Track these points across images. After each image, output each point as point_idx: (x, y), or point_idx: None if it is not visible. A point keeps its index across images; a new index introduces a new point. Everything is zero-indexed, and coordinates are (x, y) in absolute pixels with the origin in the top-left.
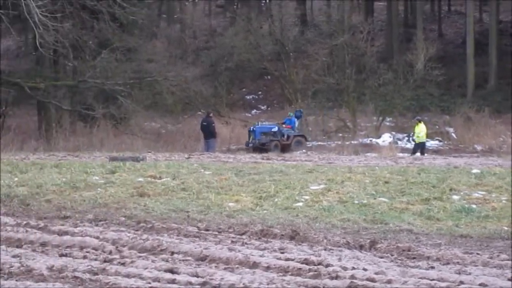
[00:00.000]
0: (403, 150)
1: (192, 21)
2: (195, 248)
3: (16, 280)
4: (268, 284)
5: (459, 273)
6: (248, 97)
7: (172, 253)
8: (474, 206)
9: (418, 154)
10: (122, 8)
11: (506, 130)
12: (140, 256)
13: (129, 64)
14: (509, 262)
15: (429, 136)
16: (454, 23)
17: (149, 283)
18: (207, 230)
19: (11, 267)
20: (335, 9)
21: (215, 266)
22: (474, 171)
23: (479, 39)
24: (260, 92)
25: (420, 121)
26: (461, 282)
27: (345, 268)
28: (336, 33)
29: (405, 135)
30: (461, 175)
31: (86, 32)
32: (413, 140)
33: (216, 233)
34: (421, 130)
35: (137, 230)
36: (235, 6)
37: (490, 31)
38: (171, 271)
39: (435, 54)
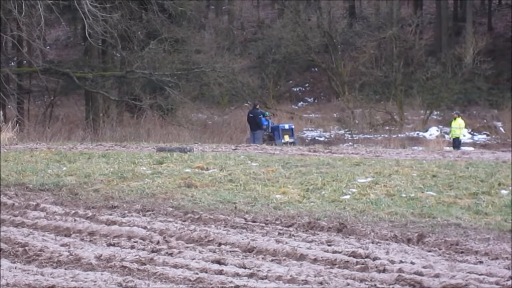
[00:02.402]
0: (450, 144)
1: (240, 12)
2: (242, 239)
3: (65, 269)
4: (315, 276)
5: (509, 269)
6: (295, 89)
7: (220, 244)
8: None
9: (463, 148)
10: None
11: None
12: (187, 247)
13: (177, 55)
14: None
15: (476, 130)
16: (504, 16)
17: (197, 273)
18: (254, 221)
19: (60, 255)
20: (383, 2)
21: (262, 258)
22: None
23: None
24: (307, 84)
25: (458, 116)
26: (510, 278)
27: (392, 262)
28: (385, 25)
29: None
30: (509, 169)
31: (134, 23)
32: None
33: (263, 224)
34: (458, 125)
35: (184, 221)
36: None
37: None
38: (218, 262)
39: (484, 48)
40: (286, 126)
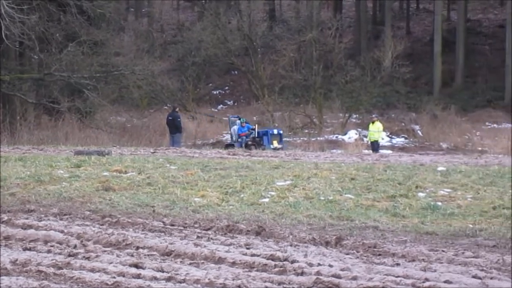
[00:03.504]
0: (369, 147)
1: (160, 15)
2: (161, 243)
3: None
4: (233, 279)
5: (425, 270)
6: (214, 92)
7: (137, 247)
8: (439, 203)
9: (381, 151)
10: (90, 1)
11: (472, 128)
12: (105, 251)
13: (96, 57)
14: (474, 259)
15: (395, 133)
16: (422, 21)
17: (114, 277)
18: (173, 225)
19: None
20: (303, 5)
21: (180, 261)
22: (440, 168)
23: (447, 37)
24: (227, 87)
25: (376, 119)
26: (426, 279)
27: (310, 264)
28: (305, 29)
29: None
30: (427, 172)
31: (53, 25)
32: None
33: (182, 228)
34: (376, 128)
35: (102, 225)
36: (203, 1)
37: (458, 30)
38: (136, 265)
39: (403, 52)
40: (275, 131)
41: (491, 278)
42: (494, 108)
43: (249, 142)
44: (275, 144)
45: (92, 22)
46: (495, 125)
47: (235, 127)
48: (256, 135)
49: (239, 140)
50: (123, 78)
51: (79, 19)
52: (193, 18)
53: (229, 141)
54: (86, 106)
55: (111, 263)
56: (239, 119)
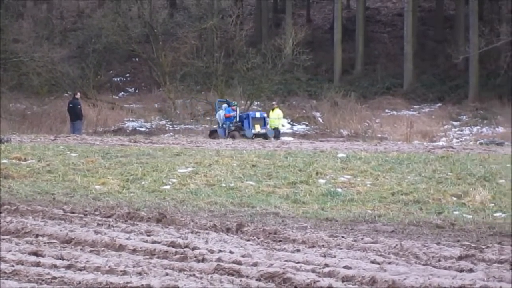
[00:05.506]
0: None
1: (59, 2)
2: (61, 230)
3: None
4: (134, 267)
5: (324, 256)
6: (115, 79)
7: (37, 235)
8: (339, 189)
9: (282, 138)
10: None
11: (371, 115)
12: (3, 239)
13: None
14: (373, 245)
15: (296, 120)
16: (322, 9)
17: (13, 266)
18: (73, 212)
19: None
20: None
21: (81, 249)
22: (340, 155)
23: (347, 25)
24: (128, 75)
25: (277, 106)
26: (326, 265)
27: (211, 251)
28: (206, 16)
29: None
30: (327, 159)
31: None
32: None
33: (82, 215)
34: (276, 115)
35: (0, 213)
36: None
37: (357, 18)
38: (36, 253)
39: (303, 39)
40: (258, 115)
41: (389, 263)
42: (393, 96)
43: (232, 128)
44: (258, 128)
45: None
46: (394, 112)
47: (221, 112)
48: (237, 119)
49: (224, 125)
50: (22, 65)
51: None
52: (94, 5)
53: (214, 127)
54: None
55: (9, 251)
56: (227, 103)
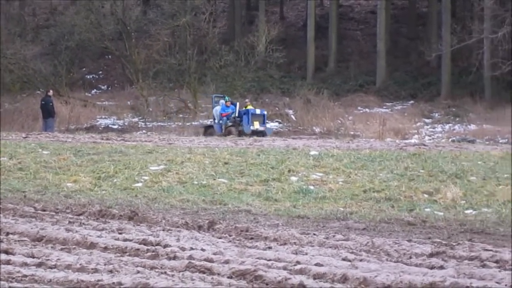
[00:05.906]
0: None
1: None
2: (31, 228)
3: None
4: (105, 264)
5: (296, 253)
6: (88, 77)
7: (8, 233)
8: (311, 187)
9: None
10: None
11: (344, 113)
12: None
13: None
14: (344, 242)
15: (269, 117)
16: (295, 6)
17: None
18: (44, 210)
19: None
20: None
21: (52, 247)
22: (312, 153)
23: (320, 22)
24: (100, 72)
25: (249, 103)
26: (298, 262)
27: (183, 249)
28: (178, 13)
29: None
30: (299, 156)
31: None
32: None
33: (53, 213)
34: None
35: None
36: None
37: (330, 15)
38: (6, 252)
39: (277, 37)
40: (258, 111)
41: (361, 260)
42: (366, 93)
43: (230, 124)
44: (256, 125)
45: None
46: (367, 109)
47: (218, 107)
48: (237, 115)
49: (221, 121)
50: None
51: None
52: (66, 2)
53: (209, 122)
54: None
55: None
56: (224, 98)
